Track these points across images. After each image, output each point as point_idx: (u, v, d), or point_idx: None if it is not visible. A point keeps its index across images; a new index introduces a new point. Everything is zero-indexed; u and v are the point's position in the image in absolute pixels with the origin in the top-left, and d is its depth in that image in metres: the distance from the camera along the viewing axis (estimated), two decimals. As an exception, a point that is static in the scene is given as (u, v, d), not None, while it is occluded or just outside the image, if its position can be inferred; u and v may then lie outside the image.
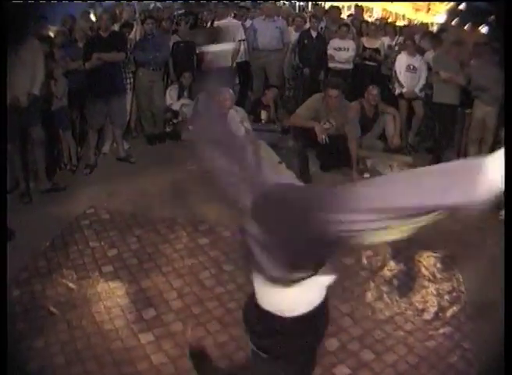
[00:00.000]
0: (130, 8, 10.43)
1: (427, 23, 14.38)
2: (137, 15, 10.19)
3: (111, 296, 5.23)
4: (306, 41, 11.14)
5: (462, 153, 9.09)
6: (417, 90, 9.62)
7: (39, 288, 5.32)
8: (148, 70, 9.47)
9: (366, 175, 8.45)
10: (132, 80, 9.50)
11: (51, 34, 8.73)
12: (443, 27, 12.11)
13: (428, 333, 4.80)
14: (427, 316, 5.02)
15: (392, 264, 5.88)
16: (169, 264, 5.81)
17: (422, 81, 9.57)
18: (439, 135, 9.32)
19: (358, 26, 11.88)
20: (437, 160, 8.90)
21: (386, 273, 5.73)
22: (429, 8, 17.45)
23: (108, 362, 4.39)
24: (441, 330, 4.83)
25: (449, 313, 5.07)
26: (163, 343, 4.58)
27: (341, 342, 4.62)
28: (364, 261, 5.93)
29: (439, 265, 5.91)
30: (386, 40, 11.03)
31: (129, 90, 9.45)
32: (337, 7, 13.23)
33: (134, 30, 9.47)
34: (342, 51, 10.67)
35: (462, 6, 14.45)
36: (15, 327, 4.65)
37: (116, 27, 9.49)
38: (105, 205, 7.11)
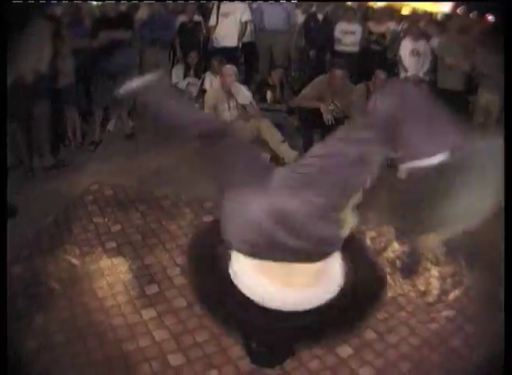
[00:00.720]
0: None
1: (431, 12, 14.30)
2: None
3: (114, 272, 5.15)
4: (312, 24, 11.06)
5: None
6: (421, 74, 9.54)
7: (41, 264, 5.25)
8: (155, 49, 9.38)
9: (370, 157, 8.34)
10: (138, 58, 9.39)
11: (58, 13, 8.61)
12: (449, 15, 12.01)
13: (431, 315, 4.73)
14: (429, 299, 4.94)
15: (395, 245, 5.79)
16: (173, 240, 5.73)
17: (426, 66, 9.49)
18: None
19: (364, 10, 11.79)
20: None
21: (390, 254, 5.65)
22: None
23: (110, 338, 4.33)
24: (443, 313, 4.76)
25: (451, 296, 4.99)
26: (166, 319, 4.52)
27: (344, 322, 4.55)
28: (368, 242, 5.84)
29: (442, 247, 5.82)
30: (392, 25, 10.96)
31: (136, 68, 9.35)
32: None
33: (141, 10, 9.37)
34: (348, 35, 10.59)
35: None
36: (15, 304, 4.59)
37: (123, 8, 9.38)
38: (109, 181, 7.02)
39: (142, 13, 9.35)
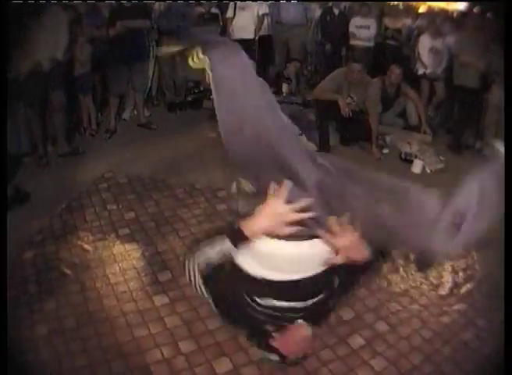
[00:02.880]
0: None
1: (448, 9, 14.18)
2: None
3: (126, 258, 5.14)
4: (328, 18, 11.01)
5: (479, 136, 8.99)
6: (439, 71, 9.48)
7: (53, 250, 5.24)
8: (172, 40, 9.34)
9: (385, 150, 8.43)
10: (154, 47, 9.36)
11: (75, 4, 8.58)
12: (464, 13, 11.90)
13: (443, 308, 4.70)
14: (442, 292, 4.92)
15: None
16: (187, 228, 5.72)
17: (444, 64, 9.42)
18: (458, 116, 9.17)
19: (380, 6, 11.69)
20: (456, 141, 8.81)
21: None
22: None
23: (121, 324, 4.32)
24: (455, 307, 4.74)
25: (463, 290, 4.98)
26: (178, 306, 4.50)
27: (356, 312, 4.53)
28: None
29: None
30: (408, 21, 10.86)
31: (152, 58, 9.33)
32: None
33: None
34: (363, 29, 10.49)
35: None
36: (26, 289, 4.59)
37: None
38: (124, 170, 6.99)
39: (159, 4, 9.29)
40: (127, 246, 5.35)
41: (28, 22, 6.10)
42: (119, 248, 5.31)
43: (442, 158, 8.09)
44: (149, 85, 9.57)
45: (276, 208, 2.21)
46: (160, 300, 4.57)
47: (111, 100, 8.70)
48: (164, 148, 7.66)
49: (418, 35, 9.93)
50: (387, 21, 10.79)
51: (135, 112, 9.17)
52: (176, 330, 4.24)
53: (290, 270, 2.62)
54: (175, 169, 7.04)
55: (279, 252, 2.51)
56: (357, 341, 4.20)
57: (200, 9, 10.06)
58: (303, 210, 2.20)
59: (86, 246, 5.30)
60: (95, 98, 8.68)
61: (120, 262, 5.06)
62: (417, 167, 7.77)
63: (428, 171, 7.76)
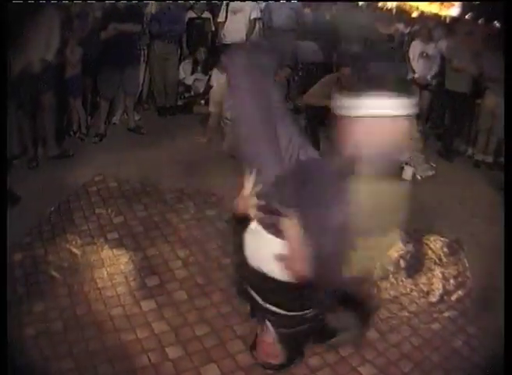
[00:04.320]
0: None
1: (440, 15, 14.26)
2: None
3: (114, 263, 5.10)
4: (320, 23, 11.00)
5: (471, 142, 9.06)
6: (429, 77, 9.51)
7: (41, 252, 5.21)
8: (163, 43, 9.33)
9: (376, 157, 8.30)
10: (146, 51, 9.35)
11: (68, 4, 8.56)
12: (457, 18, 11.94)
13: (433, 315, 4.71)
14: (432, 299, 4.93)
15: (399, 245, 5.73)
16: (175, 234, 5.69)
17: (435, 68, 9.45)
18: (450, 122, 9.21)
19: (373, 11, 11.71)
20: (447, 147, 8.84)
21: (393, 253, 5.59)
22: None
23: (109, 328, 4.28)
24: (445, 314, 4.75)
25: (454, 297, 4.99)
26: (165, 311, 4.47)
27: (345, 319, 4.51)
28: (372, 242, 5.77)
29: (445, 249, 5.81)
30: (400, 27, 10.87)
31: (143, 62, 9.32)
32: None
33: (150, 4, 9.29)
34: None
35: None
36: (15, 291, 4.55)
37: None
38: (113, 173, 6.95)
39: (151, 7, 9.26)
40: (115, 250, 5.31)
41: (20, 21, 6.06)
42: (107, 252, 5.27)
43: (434, 165, 8.09)
44: (139, 89, 9.52)
45: (244, 191, 2.61)
46: (148, 305, 4.53)
47: (101, 103, 8.67)
48: (154, 153, 7.63)
49: (411, 41, 9.95)
50: (379, 26, 10.77)
51: (125, 116, 9.11)
52: (163, 335, 4.21)
53: (252, 257, 2.66)
54: (164, 173, 7.02)
55: (247, 236, 2.61)
56: (347, 349, 4.16)
57: (192, 14, 10.04)
58: (257, 196, 2.33)
59: (74, 250, 5.25)
60: (85, 101, 8.64)
61: (108, 267, 5.02)
62: (407, 174, 7.73)
63: (419, 178, 7.75)
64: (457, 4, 16.22)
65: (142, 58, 9.25)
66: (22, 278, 4.78)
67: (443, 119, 9.43)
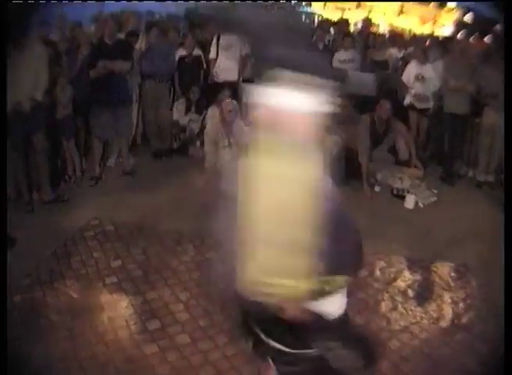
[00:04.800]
0: (136, 17, 10.23)
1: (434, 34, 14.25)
2: (143, 25, 9.95)
3: (114, 307, 5.01)
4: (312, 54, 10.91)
5: (472, 163, 9.01)
6: (426, 100, 9.41)
7: (40, 295, 5.15)
8: (154, 82, 9.26)
9: (377, 188, 8.32)
10: (138, 91, 9.30)
11: (56, 40, 8.54)
12: (450, 37, 11.87)
13: (445, 340, 4.64)
14: (443, 324, 4.86)
15: (406, 274, 5.69)
16: (175, 276, 5.59)
17: (433, 88, 9.32)
18: (449, 146, 9.08)
19: (365, 38, 11.61)
20: (447, 172, 8.84)
21: (400, 283, 5.53)
22: (435, 20, 17.33)
23: (111, 372, 4.19)
24: (457, 337, 4.69)
25: (464, 320, 4.93)
26: (169, 355, 4.35)
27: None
28: (378, 273, 5.71)
29: (453, 274, 5.75)
30: (394, 52, 10.73)
31: (136, 102, 9.26)
32: (345, 19, 13.05)
33: (140, 40, 9.24)
34: (347, 63, 10.25)
35: (468, 18, 14.31)
36: (14, 333, 4.42)
37: (122, 36, 9.24)
38: (110, 217, 6.86)
39: (141, 44, 9.20)
40: (115, 295, 5.22)
41: (10, 55, 6.00)
42: (106, 296, 5.18)
43: (435, 191, 8.07)
44: (133, 132, 9.46)
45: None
46: (150, 349, 4.43)
47: (94, 145, 8.58)
48: (150, 196, 7.53)
49: (405, 64, 9.85)
50: (372, 53, 10.66)
51: (120, 159, 8.99)
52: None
53: None
54: (162, 216, 6.92)
55: None
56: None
57: (183, 51, 9.98)
58: None
59: (73, 294, 5.17)
60: (78, 142, 8.56)
61: (108, 311, 4.93)
62: (409, 202, 7.69)
63: (421, 205, 7.69)
64: (449, 23, 16.27)
65: (134, 99, 9.16)
66: (21, 320, 4.71)
67: (443, 145, 9.26)
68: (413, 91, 9.49)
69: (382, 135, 8.83)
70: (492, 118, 8.30)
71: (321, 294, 2.42)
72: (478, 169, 8.78)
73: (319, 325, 2.58)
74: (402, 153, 9.03)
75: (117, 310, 4.95)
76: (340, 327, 2.74)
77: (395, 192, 8.07)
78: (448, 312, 5.03)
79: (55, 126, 7.72)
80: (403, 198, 7.81)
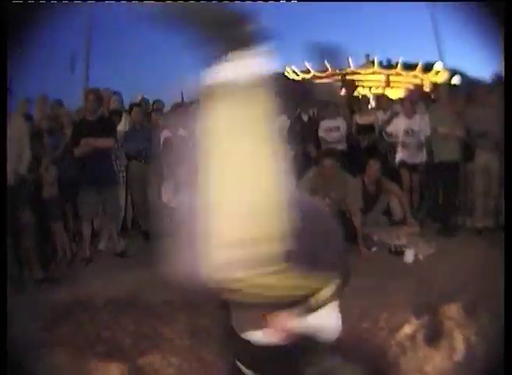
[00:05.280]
0: (117, 97, 10.17)
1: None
2: (126, 105, 9.93)
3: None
4: (298, 127, 10.79)
5: (468, 210, 8.85)
6: (418, 155, 9.33)
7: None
8: (140, 163, 9.16)
9: (373, 249, 8.13)
10: (125, 173, 9.18)
11: (37, 118, 8.56)
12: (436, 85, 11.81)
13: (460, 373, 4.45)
14: (456, 359, 4.62)
15: (413, 320, 5.38)
16: (167, 343, 5.35)
17: (423, 139, 9.20)
18: (444, 199, 8.97)
19: (350, 103, 11.58)
20: (445, 226, 8.64)
21: (407, 330, 5.23)
22: (423, 85, 17.43)
23: None
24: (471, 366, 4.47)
25: (478, 351, 4.67)
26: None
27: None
28: (382, 323, 5.45)
29: (462, 311, 5.43)
30: (380, 115, 10.64)
31: (123, 184, 9.13)
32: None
33: (123, 120, 9.18)
34: (333, 131, 10.13)
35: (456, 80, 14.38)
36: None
37: (105, 112, 9.15)
38: (100, 293, 6.67)
39: (123, 125, 9.13)
40: (105, 364, 4.92)
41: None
42: (96, 365, 4.88)
43: (434, 243, 7.85)
44: (123, 214, 9.29)
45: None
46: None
47: (83, 228, 8.38)
48: (141, 274, 7.21)
49: (390, 119, 9.77)
50: (358, 118, 10.60)
51: (111, 242, 8.75)
52: None
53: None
54: (153, 291, 6.61)
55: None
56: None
57: (167, 133, 9.88)
58: None
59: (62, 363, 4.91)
60: (67, 225, 8.43)
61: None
62: (409, 257, 7.51)
63: (421, 257, 7.48)
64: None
65: (122, 180, 9.05)
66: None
67: (437, 199, 9.10)
68: (403, 148, 9.39)
69: (375, 197, 8.73)
70: (484, 159, 8.29)
71: (307, 307, 2.19)
72: (476, 216, 8.60)
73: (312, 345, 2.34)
74: (396, 213, 8.89)
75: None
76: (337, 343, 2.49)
77: (393, 249, 7.85)
78: (460, 347, 4.75)
79: (42, 206, 7.63)
80: (401, 254, 7.61)
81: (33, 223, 7.11)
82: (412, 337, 5.06)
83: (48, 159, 7.69)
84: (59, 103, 9.71)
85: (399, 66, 18.13)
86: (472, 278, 6.29)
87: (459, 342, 4.79)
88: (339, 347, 2.16)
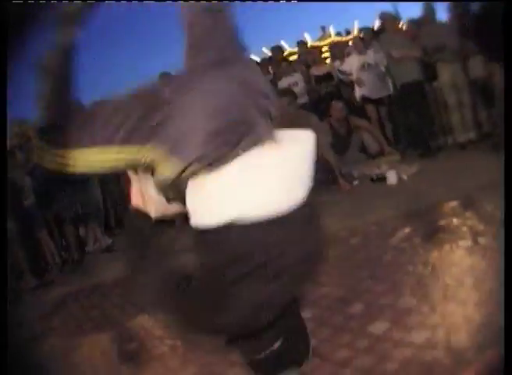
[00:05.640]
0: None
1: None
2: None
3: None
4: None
5: (447, 130, 8.49)
6: (384, 87, 9.27)
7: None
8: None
9: (355, 182, 7.87)
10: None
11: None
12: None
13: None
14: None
15: (405, 227, 5.17)
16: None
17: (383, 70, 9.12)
18: (417, 122, 8.55)
19: (304, 59, 11.39)
20: (425, 147, 8.44)
21: (400, 234, 5.05)
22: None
23: None
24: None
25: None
26: None
27: None
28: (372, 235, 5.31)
29: (459, 208, 5.26)
30: (337, 64, 10.45)
31: (97, 182, 8.89)
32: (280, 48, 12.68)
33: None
34: (292, 87, 10.01)
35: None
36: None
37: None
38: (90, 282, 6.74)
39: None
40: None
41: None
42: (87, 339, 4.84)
43: (416, 164, 7.60)
44: (103, 212, 9.10)
45: None
46: None
47: (66, 231, 8.30)
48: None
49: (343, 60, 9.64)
50: (314, 70, 10.44)
51: (98, 243, 8.61)
52: None
53: None
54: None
55: None
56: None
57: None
58: None
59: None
60: (51, 232, 8.33)
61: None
62: (392, 178, 7.18)
63: (405, 178, 7.24)
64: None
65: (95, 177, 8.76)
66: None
67: (412, 126, 8.67)
68: (359, 83, 9.29)
69: (347, 136, 8.56)
70: (447, 71, 7.99)
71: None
72: (456, 132, 8.24)
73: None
74: (372, 147, 8.71)
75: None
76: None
77: (374, 177, 7.56)
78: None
79: (25, 213, 7.63)
80: (383, 179, 7.36)
81: (18, 233, 7.11)
82: (408, 238, 4.88)
83: (22, 172, 7.80)
84: (24, 122, 9.57)
85: (355, 31, 17.80)
86: (464, 184, 5.82)
87: (463, 232, 4.59)
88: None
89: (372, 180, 7.57)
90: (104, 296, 6.01)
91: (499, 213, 4.34)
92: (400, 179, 7.24)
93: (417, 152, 8.44)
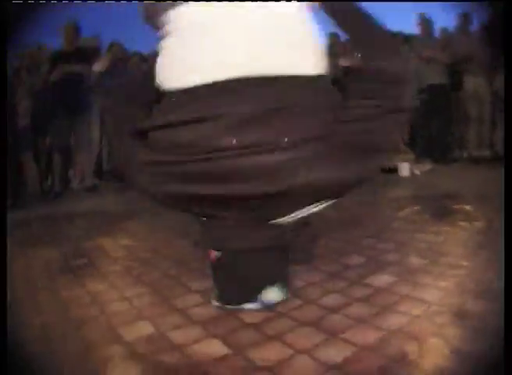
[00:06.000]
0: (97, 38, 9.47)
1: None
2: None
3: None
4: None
5: (464, 142, 8.39)
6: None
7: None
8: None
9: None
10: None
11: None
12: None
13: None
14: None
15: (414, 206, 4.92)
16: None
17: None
18: (437, 130, 8.40)
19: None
20: (442, 153, 8.20)
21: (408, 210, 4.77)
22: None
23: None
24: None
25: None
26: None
27: None
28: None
29: (469, 202, 4.91)
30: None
31: (97, 118, 8.34)
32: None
33: (101, 61, 8.50)
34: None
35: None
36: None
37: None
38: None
39: (101, 66, 8.42)
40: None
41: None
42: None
43: (429, 162, 7.47)
44: (97, 150, 8.70)
45: None
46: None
47: (54, 158, 7.85)
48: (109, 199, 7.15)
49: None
50: (342, 61, 10.09)
51: (84, 181, 8.21)
52: None
53: None
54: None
55: None
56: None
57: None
58: None
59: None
60: (39, 157, 7.94)
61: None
62: (404, 170, 6.92)
63: (418, 173, 6.93)
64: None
65: (96, 113, 8.26)
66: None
67: (430, 133, 8.55)
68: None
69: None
70: (472, 84, 7.87)
71: None
72: (471, 146, 8.13)
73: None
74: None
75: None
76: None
77: (387, 168, 7.23)
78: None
79: (12, 138, 7.02)
80: (395, 171, 7.02)
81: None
82: (419, 213, 4.63)
83: (22, 90, 7.49)
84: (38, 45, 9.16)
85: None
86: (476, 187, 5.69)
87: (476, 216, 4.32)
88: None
89: (383, 170, 7.16)
90: (71, 223, 5.69)
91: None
92: (412, 173, 7.01)
93: (431, 159, 8.12)
